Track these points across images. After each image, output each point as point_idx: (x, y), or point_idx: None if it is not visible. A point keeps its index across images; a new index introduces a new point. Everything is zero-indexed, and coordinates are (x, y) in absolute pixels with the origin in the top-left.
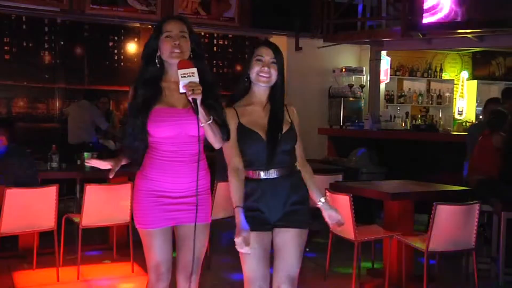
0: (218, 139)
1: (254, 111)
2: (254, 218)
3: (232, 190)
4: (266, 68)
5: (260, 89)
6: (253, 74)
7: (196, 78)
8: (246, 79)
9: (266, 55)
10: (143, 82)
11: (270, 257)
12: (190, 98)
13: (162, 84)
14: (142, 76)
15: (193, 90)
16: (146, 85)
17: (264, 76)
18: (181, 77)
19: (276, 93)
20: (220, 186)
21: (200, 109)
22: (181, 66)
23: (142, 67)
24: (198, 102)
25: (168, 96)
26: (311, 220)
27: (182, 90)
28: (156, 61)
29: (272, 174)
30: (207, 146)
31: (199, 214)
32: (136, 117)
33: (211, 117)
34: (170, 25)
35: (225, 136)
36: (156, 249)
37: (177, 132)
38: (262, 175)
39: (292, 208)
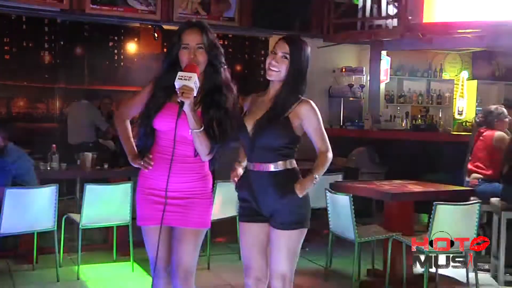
0: (204, 151)
1: (260, 103)
2: (246, 208)
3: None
4: (274, 62)
5: (275, 83)
6: (267, 66)
7: (190, 83)
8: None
9: (280, 48)
10: (161, 87)
11: None
12: (178, 100)
13: None
14: (162, 81)
15: (182, 93)
16: (164, 89)
17: (271, 69)
18: (178, 79)
19: (286, 88)
20: (221, 186)
21: (190, 115)
22: (185, 69)
23: (163, 72)
24: (186, 106)
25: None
26: (298, 220)
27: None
28: (178, 68)
29: (251, 167)
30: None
31: (189, 218)
32: (148, 117)
33: (202, 127)
34: (188, 37)
35: (235, 141)
36: (150, 246)
37: (170, 127)
38: (250, 167)
39: (279, 207)
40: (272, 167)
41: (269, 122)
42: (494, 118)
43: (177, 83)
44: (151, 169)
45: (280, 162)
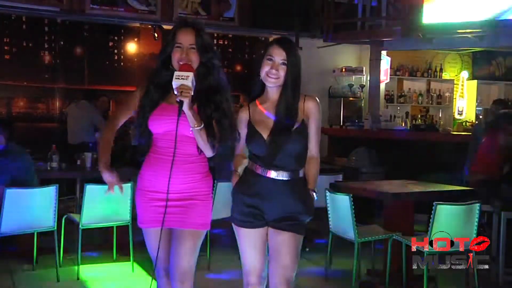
0: (207, 148)
1: (265, 109)
2: (248, 214)
3: (234, 161)
4: (274, 70)
5: (273, 88)
6: (262, 73)
7: (188, 82)
8: (258, 77)
9: (277, 55)
10: (156, 85)
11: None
12: (177, 100)
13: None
14: (156, 79)
15: (181, 92)
16: (158, 87)
17: (271, 77)
18: (175, 78)
19: (286, 93)
20: (220, 186)
21: (189, 113)
22: (180, 69)
23: (157, 70)
24: (185, 105)
25: (173, 95)
26: (305, 225)
27: (175, 92)
28: (170, 66)
29: (271, 175)
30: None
31: (189, 219)
32: (142, 116)
33: (202, 124)
34: (182, 37)
35: (234, 141)
36: (151, 248)
37: (171, 128)
38: (263, 173)
39: (290, 214)
40: (291, 175)
41: (287, 129)
42: (502, 120)
43: (175, 83)
44: (152, 171)
45: (295, 171)
